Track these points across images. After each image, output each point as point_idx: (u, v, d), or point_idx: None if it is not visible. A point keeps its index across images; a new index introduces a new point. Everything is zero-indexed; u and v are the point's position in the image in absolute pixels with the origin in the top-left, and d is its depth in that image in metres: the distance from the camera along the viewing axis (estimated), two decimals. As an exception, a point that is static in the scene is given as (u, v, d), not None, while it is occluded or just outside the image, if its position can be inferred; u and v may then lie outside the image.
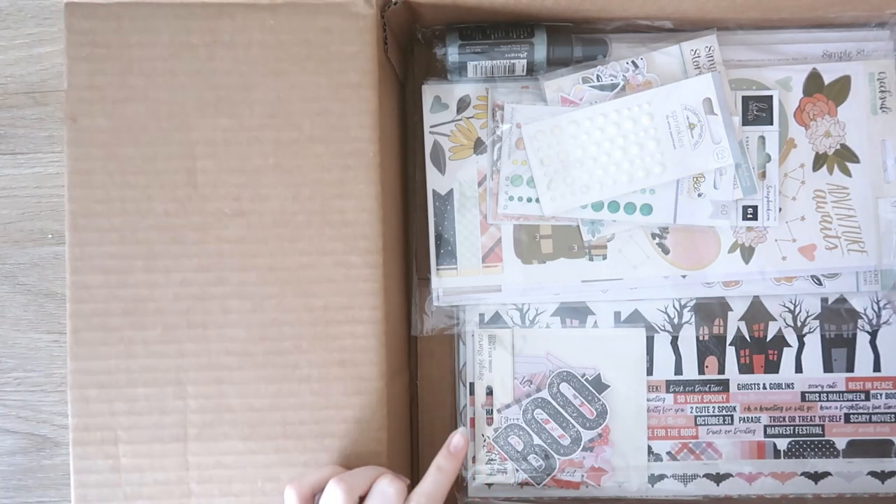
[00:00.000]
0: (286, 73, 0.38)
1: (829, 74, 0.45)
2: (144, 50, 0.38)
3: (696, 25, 0.45)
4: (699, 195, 0.44)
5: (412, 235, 0.48)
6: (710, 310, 0.46)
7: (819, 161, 0.45)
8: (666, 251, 0.45)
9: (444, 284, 0.45)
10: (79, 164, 0.37)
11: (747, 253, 0.45)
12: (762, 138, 0.45)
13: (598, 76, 0.44)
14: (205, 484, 0.38)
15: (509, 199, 0.45)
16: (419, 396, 0.48)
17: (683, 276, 0.45)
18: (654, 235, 0.45)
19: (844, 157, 0.45)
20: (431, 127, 0.46)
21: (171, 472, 0.38)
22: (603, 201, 0.44)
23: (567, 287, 0.45)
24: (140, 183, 0.38)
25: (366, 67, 0.38)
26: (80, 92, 0.37)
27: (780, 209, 0.45)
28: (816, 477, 0.45)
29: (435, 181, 0.46)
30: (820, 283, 0.45)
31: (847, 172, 0.45)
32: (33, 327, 0.51)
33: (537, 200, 0.45)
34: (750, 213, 0.45)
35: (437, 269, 0.46)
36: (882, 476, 0.45)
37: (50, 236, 0.51)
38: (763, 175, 0.45)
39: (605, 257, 0.45)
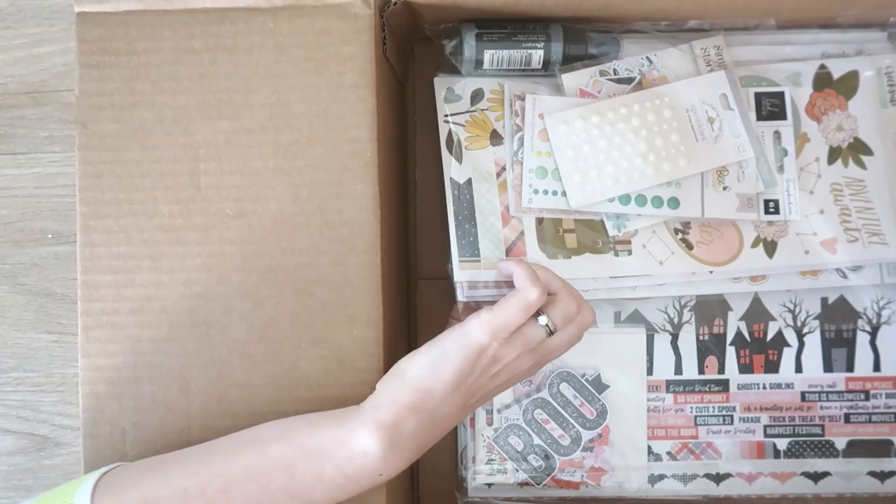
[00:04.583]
0: (286, 76, 0.41)
1: (838, 70, 0.48)
2: (150, 56, 0.41)
3: (699, 27, 0.48)
4: (724, 188, 0.46)
5: (411, 235, 0.51)
6: (709, 309, 0.48)
7: (833, 154, 0.48)
8: (690, 247, 0.47)
9: (468, 278, 0.45)
10: (89, 167, 0.41)
11: (770, 247, 0.47)
12: (777, 133, 0.47)
13: (614, 69, 0.47)
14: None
15: (534, 193, 0.46)
16: (419, 396, 0.52)
17: (711, 272, 0.47)
18: (676, 231, 0.47)
19: (858, 150, 0.48)
20: (446, 116, 0.47)
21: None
22: (630, 194, 0.46)
23: (598, 283, 0.47)
24: (146, 185, 0.41)
25: (364, 68, 0.41)
26: (91, 98, 0.41)
27: (799, 203, 0.47)
28: (816, 477, 0.48)
29: (452, 170, 0.47)
30: (845, 277, 0.47)
31: (862, 165, 0.48)
32: (33, 327, 0.54)
33: (563, 193, 0.46)
34: (772, 206, 0.47)
35: (460, 261, 0.46)
36: (882, 476, 0.48)
37: (50, 236, 0.54)
38: (781, 169, 0.47)
39: (630, 252, 0.47)
